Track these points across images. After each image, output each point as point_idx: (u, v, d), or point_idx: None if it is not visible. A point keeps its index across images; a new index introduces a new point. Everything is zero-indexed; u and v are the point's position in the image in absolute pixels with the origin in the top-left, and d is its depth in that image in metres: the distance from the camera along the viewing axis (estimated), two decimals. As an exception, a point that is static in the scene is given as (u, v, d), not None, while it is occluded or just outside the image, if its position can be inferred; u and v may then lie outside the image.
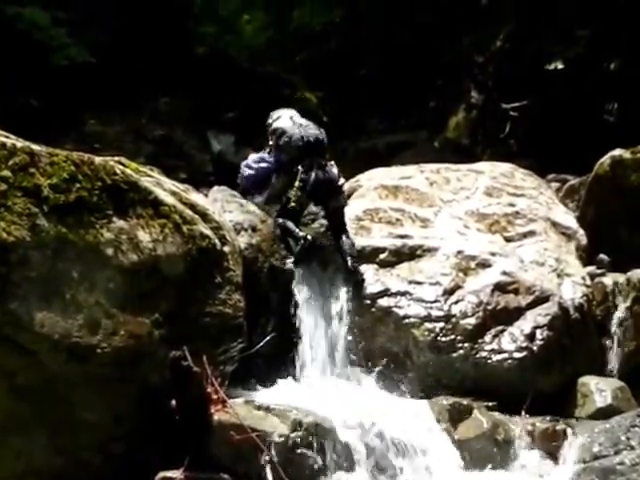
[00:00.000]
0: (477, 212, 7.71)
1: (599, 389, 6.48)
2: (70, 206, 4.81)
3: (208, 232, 5.56)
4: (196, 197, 5.95)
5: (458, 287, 6.86)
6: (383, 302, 6.77)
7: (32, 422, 4.86)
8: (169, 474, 5.00)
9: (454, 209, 7.74)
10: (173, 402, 5.12)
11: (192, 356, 5.14)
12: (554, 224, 7.75)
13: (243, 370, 5.97)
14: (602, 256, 7.57)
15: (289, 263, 6.76)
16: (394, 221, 7.46)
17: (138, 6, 13.30)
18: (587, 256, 7.66)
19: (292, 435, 5.28)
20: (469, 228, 7.52)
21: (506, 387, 6.41)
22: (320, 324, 6.72)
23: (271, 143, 7.41)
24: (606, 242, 7.67)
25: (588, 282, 7.19)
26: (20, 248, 4.57)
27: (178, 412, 5.11)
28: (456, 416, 6.01)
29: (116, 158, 5.46)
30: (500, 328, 6.65)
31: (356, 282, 6.88)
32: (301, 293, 6.74)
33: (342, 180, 7.29)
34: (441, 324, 6.63)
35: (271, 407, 5.50)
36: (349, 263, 6.89)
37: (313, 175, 6.98)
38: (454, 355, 6.56)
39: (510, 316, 6.73)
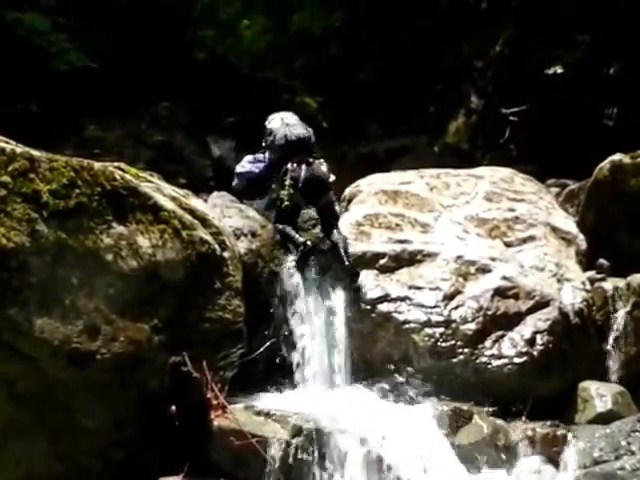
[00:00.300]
0: (477, 217, 7.71)
1: (599, 394, 6.47)
2: (70, 212, 4.82)
3: (208, 237, 5.57)
4: (196, 202, 5.96)
5: (458, 292, 6.86)
6: (383, 307, 6.76)
7: (32, 428, 4.86)
8: (169, 480, 5.01)
9: (454, 214, 7.74)
10: (173, 408, 5.13)
11: (192, 362, 5.15)
12: (554, 229, 7.74)
13: (243, 375, 5.96)
14: (602, 261, 7.56)
15: (289, 268, 6.76)
16: (394, 226, 7.45)
17: (138, 11, 13.30)
18: (587, 261, 7.65)
19: (292, 440, 5.29)
20: (469, 233, 7.51)
21: (506, 392, 6.39)
22: (320, 329, 6.71)
23: (264, 144, 7.52)
24: (606, 247, 7.66)
25: (588, 287, 7.18)
26: (20, 254, 4.57)
27: (178, 418, 5.12)
28: (456, 421, 6.00)
29: (116, 164, 5.46)
30: (500, 333, 6.64)
31: (353, 276, 6.88)
32: (301, 298, 6.73)
33: (332, 177, 7.32)
34: (441, 329, 6.63)
35: (271, 413, 5.49)
36: (344, 258, 6.89)
37: (303, 173, 7.03)
38: (454, 360, 6.54)
39: (510, 321, 6.72)
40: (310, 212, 7.32)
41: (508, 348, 6.58)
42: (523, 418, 6.20)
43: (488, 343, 6.60)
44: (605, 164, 7.88)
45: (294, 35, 16.02)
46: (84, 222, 4.88)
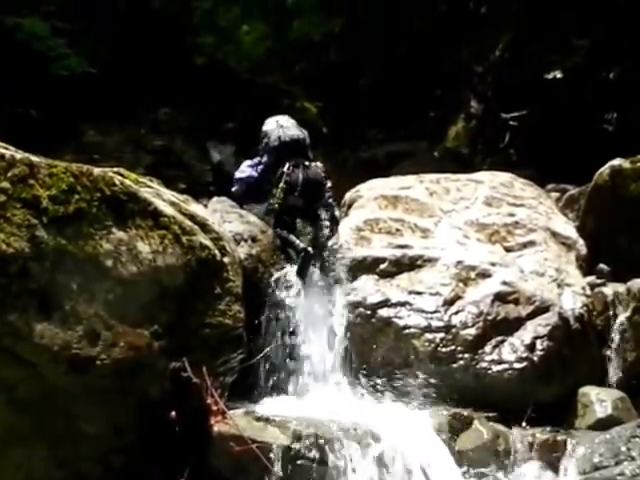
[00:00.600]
0: (477, 222, 7.70)
1: (599, 399, 6.46)
2: (69, 217, 4.81)
3: (208, 243, 5.56)
4: (196, 208, 5.95)
5: (458, 297, 6.85)
6: (383, 312, 6.76)
7: (32, 434, 4.85)
8: (169, 486, 5.00)
9: (454, 219, 7.73)
10: (173, 413, 5.11)
11: (192, 367, 5.15)
12: (554, 234, 7.74)
13: (243, 381, 5.96)
14: (602, 266, 7.55)
15: (289, 274, 6.76)
16: (394, 231, 7.45)
17: (137, 17, 13.33)
18: (587, 266, 7.64)
19: (292, 446, 5.27)
20: (469, 238, 7.51)
21: (506, 398, 6.39)
22: (320, 334, 6.71)
23: (259, 147, 7.54)
24: (606, 252, 7.65)
25: (588, 292, 7.18)
26: (19, 259, 4.56)
27: (178, 423, 5.10)
28: (456, 427, 5.99)
29: (115, 169, 5.45)
30: (500, 338, 6.64)
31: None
32: (301, 303, 6.73)
33: (329, 183, 7.33)
34: (441, 335, 6.62)
35: (271, 418, 5.48)
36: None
37: (300, 176, 7.04)
38: (454, 366, 6.54)
39: (510, 326, 6.71)
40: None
41: (508, 353, 6.57)
42: (523, 423, 6.18)
43: (488, 348, 6.59)
44: (605, 169, 7.86)
45: (293, 40, 16.03)
46: (84, 228, 4.87)
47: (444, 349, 6.58)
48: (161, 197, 5.52)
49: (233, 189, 7.54)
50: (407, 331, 6.67)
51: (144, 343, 5.08)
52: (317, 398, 6.34)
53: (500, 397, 6.39)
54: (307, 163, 7.20)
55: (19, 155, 4.75)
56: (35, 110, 11.64)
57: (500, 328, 6.69)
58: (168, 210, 5.40)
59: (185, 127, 13.26)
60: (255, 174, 7.47)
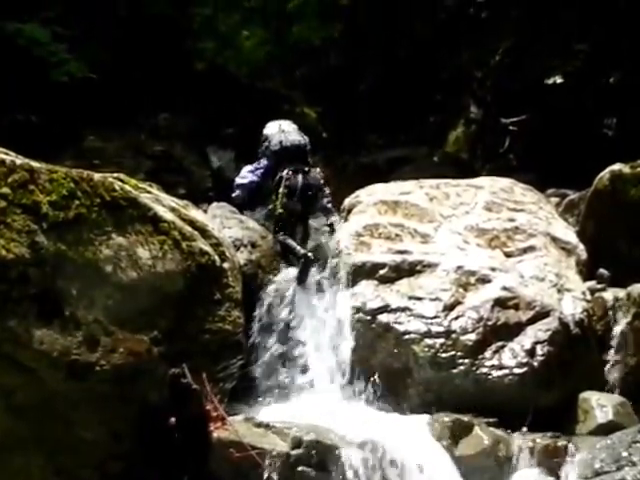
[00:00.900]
0: (477, 227, 7.69)
1: (600, 405, 6.44)
2: (69, 223, 4.82)
3: (207, 248, 5.57)
4: (195, 213, 5.96)
5: (458, 303, 6.84)
6: (383, 318, 6.74)
7: (30, 441, 4.85)
8: (168, 492, 5.00)
9: (454, 224, 7.73)
10: (172, 419, 5.11)
11: (191, 373, 5.15)
12: (554, 239, 7.73)
13: (243, 387, 5.96)
14: (602, 271, 7.54)
15: (290, 279, 6.76)
16: (394, 237, 7.44)
17: (137, 23, 13.34)
18: (587, 271, 7.63)
19: (292, 452, 5.27)
20: (469, 243, 7.50)
21: (507, 403, 6.37)
22: (320, 340, 6.70)
23: (259, 150, 7.54)
24: (606, 257, 7.64)
25: (588, 297, 7.16)
26: (19, 265, 4.56)
27: (177, 430, 5.10)
28: (457, 433, 5.97)
29: (115, 174, 5.47)
30: (500, 344, 6.62)
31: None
32: (301, 309, 6.73)
33: (327, 189, 7.34)
34: (441, 340, 6.60)
35: (271, 424, 5.48)
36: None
37: (299, 181, 7.04)
38: (454, 371, 6.52)
39: (510, 332, 6.69)
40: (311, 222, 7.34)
41: (508, 359, 6.55)
42: (524, 429, 6.16)
43: (488, 354, 6.58)
44: (605, 174, 7.86)
45: (293, 45, 16.05)
46: (84, 233, 4.87)
47: (444, 354, 6.56)
48: (161, 203, 5.52)
49: (234, 194, 7.53)
50: (407, 336, 6.65)
51: (144, 349, 5.08)
52: (317, 404, 6.32)
53: (500, 402, 6.37)
54: (307, 169, 7.20)
55: (19, 161, 4.76)
56: (35, 116, 11.65)
57: (500, 333, 6.67)
58: (168, 216, 5.41)
59: (185, 132, 13.26)
60: (256, 179, 7.46)
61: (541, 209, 8.18)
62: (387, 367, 6.59)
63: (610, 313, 7.06)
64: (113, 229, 5.03)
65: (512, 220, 7.80)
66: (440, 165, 13.10)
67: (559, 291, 7.06)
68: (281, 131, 7.46)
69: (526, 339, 6.64)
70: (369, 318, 6.75)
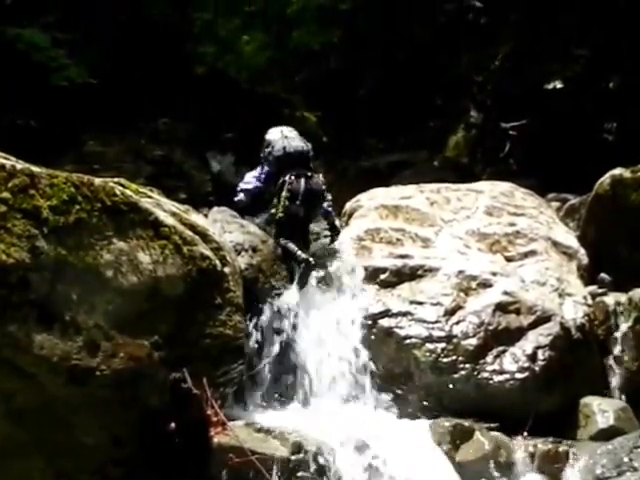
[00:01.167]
0: (478, 232, 7.70)
1: (601, 410, 6.43)
2: (70, 228, 4.79)
3: (208, 253, 5.55)
4: (196, 218, 5.94)
5: (459, 307, 6.84)
6: (384, 322, 6.74)
7: (31, 445, 4.83)
8: (169, 497, 4.98)
9: (455, 229, 7.73)
10: (173, 424, 5.09)
11: (192, 378, 5.13)
12: (555, 243, 7.73)
13: (243, 392, 5.94)
14: (603, 275, 7.55)
15: (290, 284, 6.75)
16: (395, 241, 7.45)
17: (137, 27, 13.35)
18: (588, 275, 7.64)
19: (292, 458, 5.26)
20: (470, 248, 7.50)
21: (508, 408, 6.36)
22: (322, 345, 6.68)
23: (261, 155, 7.53)
24: (607, 261, 7.64)
25: (589, 302, 7.17)
26: (20, 270, 4.54)
27: (178, 434, 5.08)
28: (458, 438, 5.96)
29: (116, 179, 5.45)
30: (501, 348, 6.62)
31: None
32: (301, 314, 6.71)
33: (329, 195, 7.34)
34: (442, 345, 6.60)
35: (271, 429, 5.47)
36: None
37: (302, 186, 7.03)
38: (455, 376, 6.52)
39: (511, 336, 6.69)
40: (312, 227, 7.34)
41: (510, 363, 6.55)
42: (525, 434, 6.15)
43: (489, 358, 6.57)
44: (605, 178, 7.86)
45: (293, 50, 16.09)
46: (84, 238, 4.85)
47: (445, 359, 6.56)
48: (162, 207, 5.51)
49: (236, 199, 7.49)
50: (408, 341, 6.65)
51: (144, 354, 5.06)
52: (318, 409, 6.31)
53: (501, 407, 6.36)
54: (309, 174, 7.19)
55: (20, 165, 4.74)
56: (35, 120, 11.66)
57: (501, 338, 6.67)
58: (169, 220, 5.39)
59: (185, 137, 13.28)
60: (260, 184, 7.43)
61: (542, 213, 8.19)
62: (388, 371, 6.58)
63: (611, 318, 7.05)
64: (114, 234, 5.01)
65: (513, 225, 7.80)
66: (440, 169, 13.11)
67: (560, 296, 7.07)
68: (284, 137, 7.44)
69: (527, 344, 6.64)
70: (370, 323, 6.74)
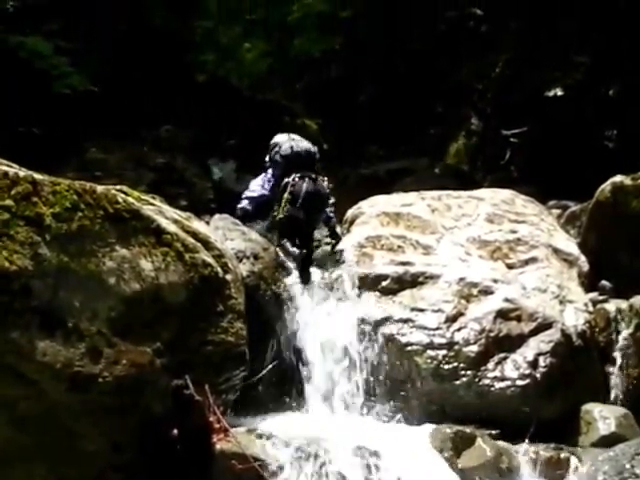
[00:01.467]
0: (479, 239, 7.71)
1: (603, 416, 6.43)
2: (72, 235, 4.80)
3: (210, 260, 5.56)
4: (198, 225, 5.95)
5: (460, 314, 6.84)
6: (385, 329, 6.75)
7: (32, 452, 4.83)
8: (171, 504, 4.98)
9: (456, 236, 7.74)
10: (175, 431, 5.10)
11: (194, 385, 5.13)
12: (556, 251, 7.74)
13: (245, 398, 5.95)
14: (604, 282, 7.55)
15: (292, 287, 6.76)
16: (396, 248, 7.46)
17: (139, 35, 13.39)
18: (589, 282, 7.64)
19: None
20: (471, 255, 7.51)
21: (509, 415, 6.37)
22: (323, 350, 6.69)
23: (267, 158, 7.53)
24: (608, 268, 7.65)
25: (590, 308, 7.18)
26: (22, 277, 4.55)
27: (180, 441, 5.08)
28: (459, 445, 5.96)
29: (118, 186, 5.46)
30: (503, 355, 6.62)
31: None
32: (302, 318, 6.72)
33: (332, 199, 7.36)
34: (444, 351, 6.61)
35: (273, 436, 5.47)
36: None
37: (304, 187, 7.04)
38: (457, 383, 6.52)
39: (513, 343, 6.70)
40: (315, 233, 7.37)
41: (511, 370, 6.56)
42: (526, 441, 6.15)
43: (491, 365, 6.58)
44: (606, 186, 7.87)
45: (294, 58, 16.11)
46: (87, 245, 4.86)
47: (446, 366, 6.56)
48: (164, 214, 5.52)
49: (239, 206, 7.48)
50: (409, 348, 6.66)
51: (146, 361, 5.07)
52: (319, 415, 6.32)
53: (503, 414, 6.37)
54: (313, 176, 7.20)
55: (22, 173, 4.76)
56: (37, 128, 11.69)
57: (502, 345, 6.68)
58: (171, 227, 5.40)
59: (186, 144, 13.30)
60: (266, 192, 7.42)
61: (542, 221, 8.20)
62: (390, 378, 6.59)
63: (612, 325, 7.06)
64: (116, 241, 5.02)
65: (514, 232, 7.81)
66: (441, 177, 13.13)
67: (561, 302, 7.07)
68: (291, 139, 7.49)
69: (528, 351, 6.65)
70: (371, 329, 6.74)
